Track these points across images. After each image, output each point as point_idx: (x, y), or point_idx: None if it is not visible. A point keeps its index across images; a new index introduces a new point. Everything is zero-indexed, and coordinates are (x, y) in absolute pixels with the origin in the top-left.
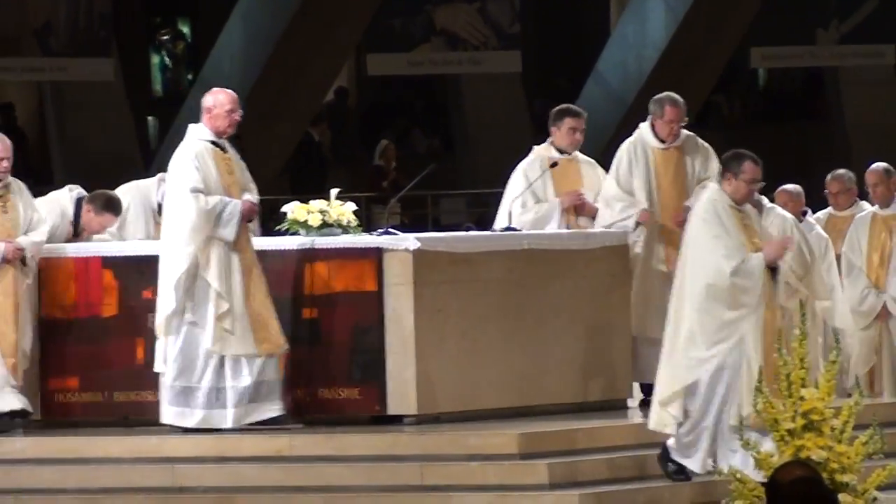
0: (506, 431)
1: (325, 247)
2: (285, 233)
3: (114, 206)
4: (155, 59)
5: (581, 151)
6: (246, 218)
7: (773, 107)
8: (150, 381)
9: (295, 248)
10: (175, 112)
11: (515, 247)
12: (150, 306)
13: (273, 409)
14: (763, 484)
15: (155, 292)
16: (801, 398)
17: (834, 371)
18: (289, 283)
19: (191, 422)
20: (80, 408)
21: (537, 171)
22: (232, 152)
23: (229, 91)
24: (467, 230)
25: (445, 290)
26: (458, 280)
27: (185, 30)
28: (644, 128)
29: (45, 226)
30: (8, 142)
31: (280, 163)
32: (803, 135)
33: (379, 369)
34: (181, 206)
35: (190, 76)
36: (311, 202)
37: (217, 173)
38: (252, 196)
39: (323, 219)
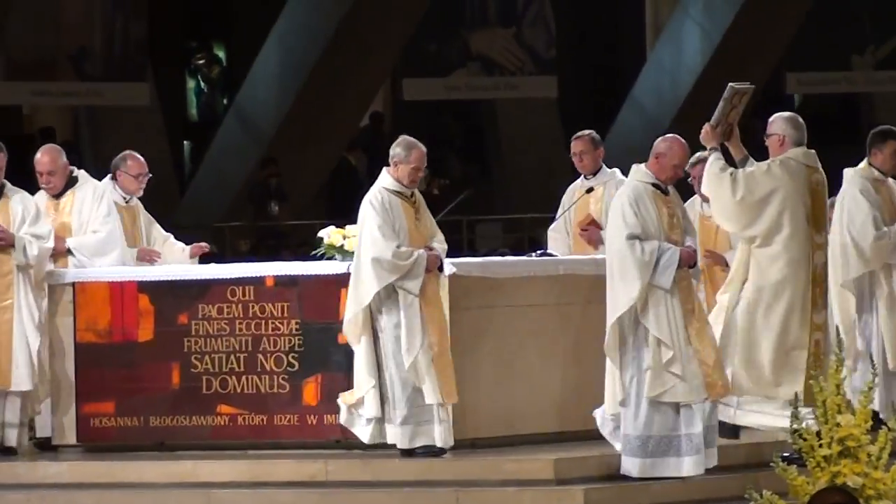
0: (542, 457)
1: None
2: (321, 257)
3: (129, 153)
4: (190, 84)
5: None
6: (685, 264)
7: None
8: (185, 405)
9: (331, 273)
10: (210, 136)
11: (552, 272)
12: (186, 331)
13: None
14: None
15: (191, 317)
16: (837, 424)
17: (871, 397)
18: (324, 308)
19: (646, 472)
20: (116, 432)
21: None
22: (674, 195)
23: (683, 143)
24: (502, 255)
25: (481, 315)
26: (494, 305)
27: (221, 54)
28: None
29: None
30: None
31: (316, 188)
32: (839, 160)
33: None
34: (620, 251)
35: (225, 101)
36: (347, 227)
37: (657, 218)
38: (693, 242)
39: None
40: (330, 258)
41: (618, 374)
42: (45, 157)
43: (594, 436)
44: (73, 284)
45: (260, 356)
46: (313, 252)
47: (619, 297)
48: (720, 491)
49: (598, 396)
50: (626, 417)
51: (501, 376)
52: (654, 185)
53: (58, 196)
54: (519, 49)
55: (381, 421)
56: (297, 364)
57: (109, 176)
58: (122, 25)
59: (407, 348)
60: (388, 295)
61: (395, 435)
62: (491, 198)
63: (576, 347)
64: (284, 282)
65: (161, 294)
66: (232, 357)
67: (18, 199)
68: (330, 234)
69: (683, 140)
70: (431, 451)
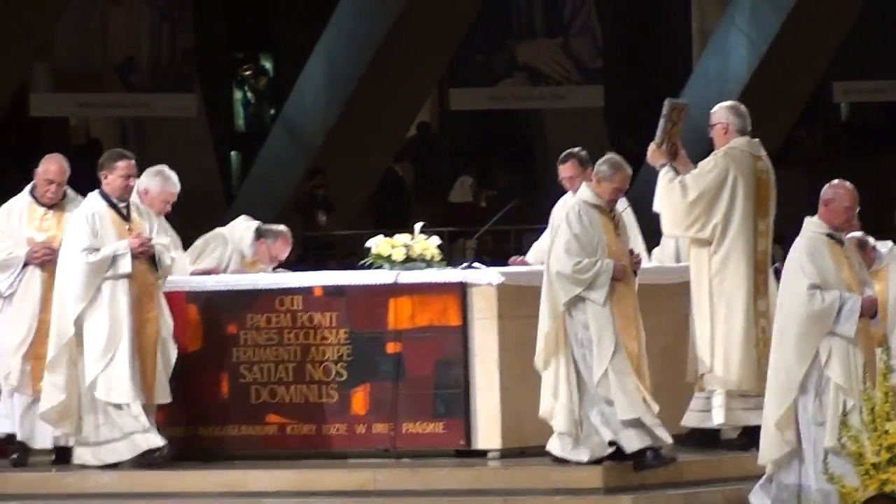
0: (590, 465)
1: (409, 281)
2: (369, 267)
3: (284, 235)
4: (237, 95)
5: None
6: (867, 314)
7: (855, 141)
8: (234, 415)
9: (379, 282)
10: (257, 147)
11: None
12: (234, 341)
13: None
14: None
15: (239, 327)
16: (886, 432)
17: None
18: (372, 317)
19: None
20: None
21: None
22: (848, 245)
23: (850, 185)
24: None
25: (529, 325)
26: None
27: (268, 65)
28: None
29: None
30: None
31: (363, 198)
32: (885, 168)
33: (463, 404)
34: (801, 303)
35: (272, 111)
36: (395, 236)
37: (835, 267)
38: (872, 291)
39: (407, 253)
40: (378, 267)
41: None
42: (56, 167)
43: None
44: None
45: (308, 366)
46: (361, 262)
47: (801, 350)
48: None
49: None
50: (805, 470)
51: None
52: (828, 234)
53: (49, 207)
54: (565, 59)
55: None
56: (345, 373)
57: (255, 232)
58: (168, 36)
59: (597, 360)
60: (576, 304)
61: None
62: (537, 207)
63: None
64: (332, 291)
65: (209, 304)
66: (280, 367)
67: (144, 210)
68: (378, 244)
69: (849, 182)
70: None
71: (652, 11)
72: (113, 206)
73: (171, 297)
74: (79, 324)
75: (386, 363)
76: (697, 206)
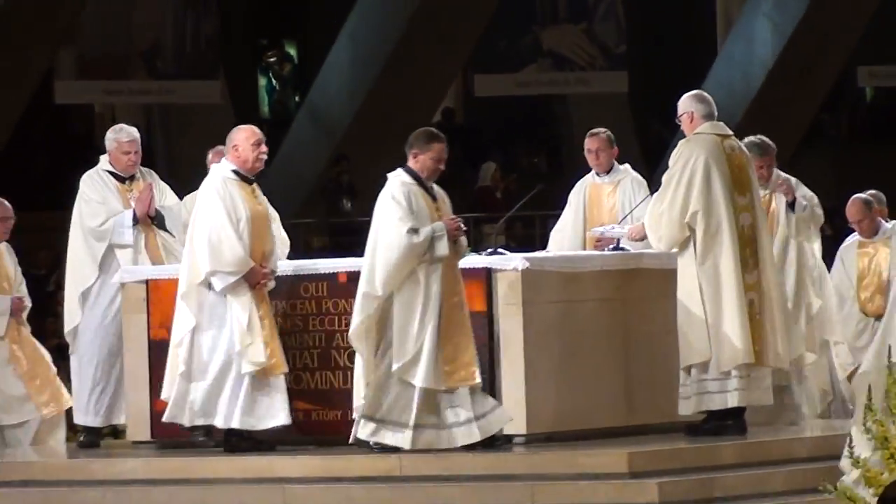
0: (616, 450)
1: None
2: None
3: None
4: (262, 82)
5: (627, 171)
6: None
7: (879, 125)
8: None
9: None
10: (282, 134)
11: (623, 266)
12: None
13: None
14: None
15: None
16: None
17: None
18: None
19: None
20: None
21: None
22: None
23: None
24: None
25: (554, 310)
26: (567, 300)
27: (292, 51)
28: None
29: None
30: None
31: None
32: None
33: (488, 389)
34: None
35: (297, 98)
36: None
37: None
38: None
39: None
40: None
41: None
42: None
43: (668, 429)
44: (147, 282)
45: (333, 352)
46: None
47: None
48: (790, 483)
49: (670, 389)
50: None
51: (574, 370)
52: None
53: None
54: (590, 44)
55: None
56: None
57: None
58: (193, 23)
59: None
60: None
61: None
62: (562, 193)
63: (648, 341)
64: (357, 278)
65: None
66: (305, 353)
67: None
68: None
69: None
70: None
71: None
72: (422, 185)
73: None
74: (388, 306)
75: None
76: (675, 201)
